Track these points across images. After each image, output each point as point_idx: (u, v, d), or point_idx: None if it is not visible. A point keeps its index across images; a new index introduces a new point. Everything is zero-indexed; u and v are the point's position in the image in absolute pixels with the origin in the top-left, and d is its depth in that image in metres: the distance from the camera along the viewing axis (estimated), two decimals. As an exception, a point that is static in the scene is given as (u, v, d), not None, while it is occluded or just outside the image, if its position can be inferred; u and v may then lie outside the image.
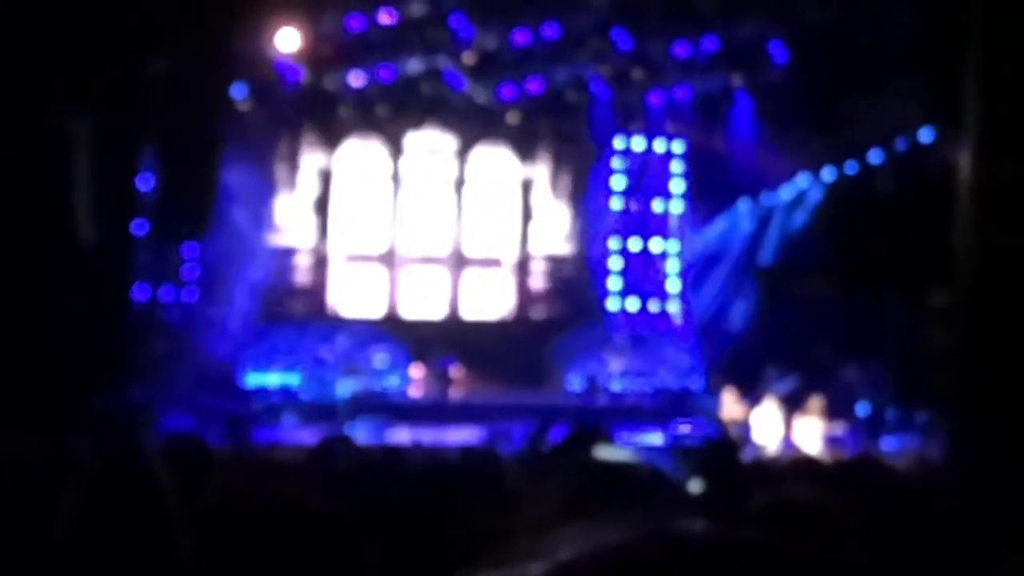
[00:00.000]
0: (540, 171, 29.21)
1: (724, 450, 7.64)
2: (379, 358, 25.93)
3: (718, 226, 28.69)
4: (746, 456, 12.11)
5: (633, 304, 29.72)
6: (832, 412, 21.17)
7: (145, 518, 3.16)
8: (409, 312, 28.54)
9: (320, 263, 28.07)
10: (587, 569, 1.00)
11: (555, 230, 29.29)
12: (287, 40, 22.30)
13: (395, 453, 10.22)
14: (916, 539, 5.47)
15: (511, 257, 29.18)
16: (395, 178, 28.49)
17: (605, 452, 3.25)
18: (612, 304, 29.63)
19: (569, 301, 29.07)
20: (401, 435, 19.45)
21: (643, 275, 29.76)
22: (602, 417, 22.50)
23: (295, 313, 27.42)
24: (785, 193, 26.83)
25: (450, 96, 26.51)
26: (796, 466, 8.66)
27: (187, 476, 3.41)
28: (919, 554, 5.44)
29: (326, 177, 28.02)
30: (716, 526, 1.05)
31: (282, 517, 2.63)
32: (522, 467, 8.06)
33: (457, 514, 3.53)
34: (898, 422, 22.17)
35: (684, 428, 22.93)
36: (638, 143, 29.48)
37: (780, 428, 20.36)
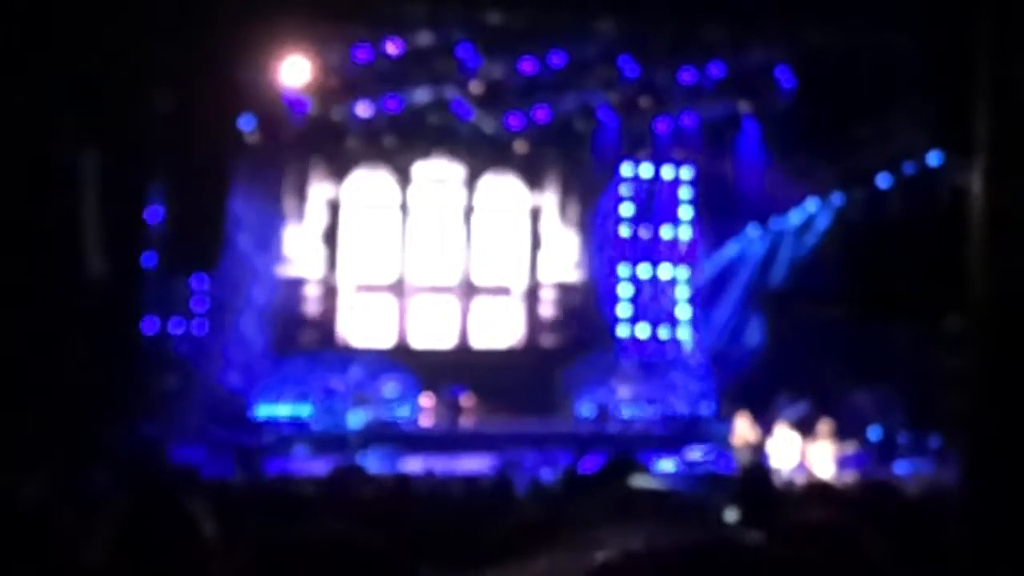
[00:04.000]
0: (548, 199, 29.21)
1: (758, 478, 7.62)
2: (389, 388, 25.88)
3: (727, 252, 28.67)
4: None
5: (643, 331, 29.69)
6: (845, 436, 21.11)
7: (179, 555, 3.15)
8: (419, 341, 28.51)
9: (329, 293, 28.05)
10: (650, 560, 1.01)
11: (564, 258, 29.29)
12: (295, 72, 22.34)
13: (407, 482, 10.21)
14: (932, 564, 5.46)
15: (520, 285, 29.16)
16: (403, 208, 28.51)
17: (641, 480, 3.25)
18: (622, 331, 29.59)
19: (579, 328, 29.03)
20: (412, 464, 19.42)
21: (653, 302, 29.73)
22: (613, 444, 22.48)
23: (305, 344, 27.37)
24: (794, 218, 26.81)
25: (458, 125, 26.54)
26: (813, 491, 8.63)
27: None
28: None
29: (334, 207, 28.03)
30: (775, 542, 1.06)
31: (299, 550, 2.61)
32: (539, 495, 8.05)
33: (477, 541, 3.52)
34: (911, 446, 22.13)
35: (696, 454, 22.91)
36: (646, 170, 29.51)
37: (796, 453, 20.30)
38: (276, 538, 2.55)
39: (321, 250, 28.00)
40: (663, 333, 29.82)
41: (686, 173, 29.76)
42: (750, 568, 1.01)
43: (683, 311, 29.93)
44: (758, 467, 9.03)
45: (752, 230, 27.95)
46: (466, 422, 25.77)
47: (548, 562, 1.05)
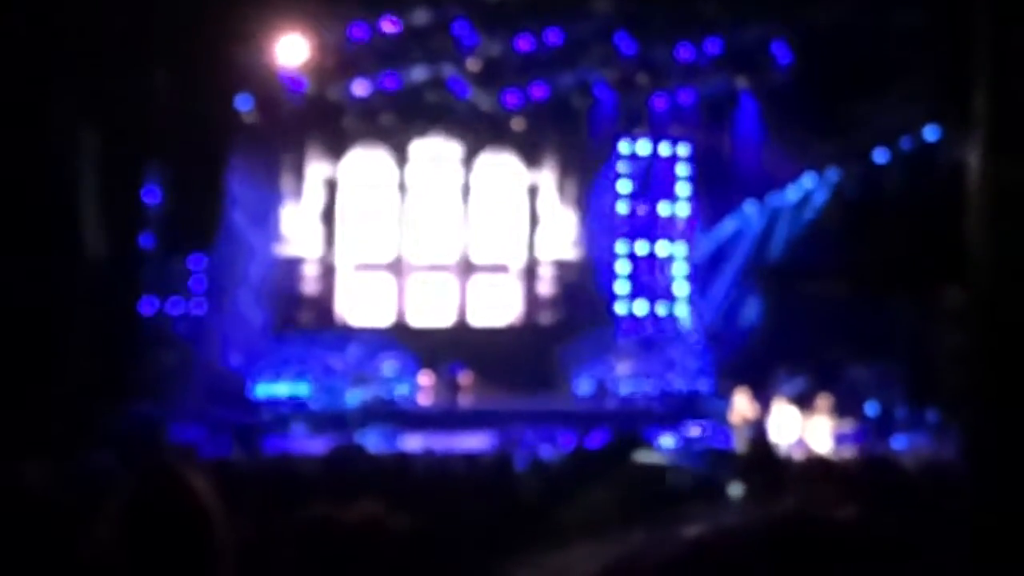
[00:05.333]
0: (546, 177, 29.18)
1: (762, 453, 7.65)
2: (388, 366, 25.87)
3: (725, 228, 28.66)
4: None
5: (641, 308, 29.68)
6: (843, 411, 21.15)
7: (184, 534, 3.16)
8: (417, 320, 28.52)
9: (328, 272, 28.05)
10: (742, 535, 1.02)
11: (562, 235, 29.27)
12: (291, 51, 22.30)
13: (407, 460, 10.23)
14: (930, 538, 5.47)
15: (518, 263, 29.16)
16: (401, 186, 28.47)
17: (646, 456, 3.26)
18: (620, 308, 29.59)
19: (577, 306, 29.01)
20: (412, 443, 19.44)
21: (650, 278, 29.72)
22: (611, 421, 22.50)
23: (304, 323, 27.40)
24: (791, 194, 26.80)
25: (455, 103, 26.52)
26: (812, 466, 8.66)
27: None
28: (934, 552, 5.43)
29: (332, 186, 28.01)
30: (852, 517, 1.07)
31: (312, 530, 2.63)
32: (538, 472, 8.05)
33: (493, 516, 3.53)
34: (909, 421, 22.17)
35: (695, 430, 22.94)
36: (643, 147, 29.45)
37: (796, 428, 20.34)
38: (310, 517, 2.56)
39: (319, 229, 27.99)
40: (661, 310, 29.82)
41: (683, 150, 29.70)
42: (843, 544, 1.01)
43: (681, 288, 29.93)
44: (762, 443, 9.04)
45: (750, 206, 27.93)
46: (465, 400, 25.80)
47: (639, 538, 1.05)
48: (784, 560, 0.99)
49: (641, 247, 29.72)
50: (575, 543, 1.08)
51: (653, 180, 29.56)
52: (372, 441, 19.70)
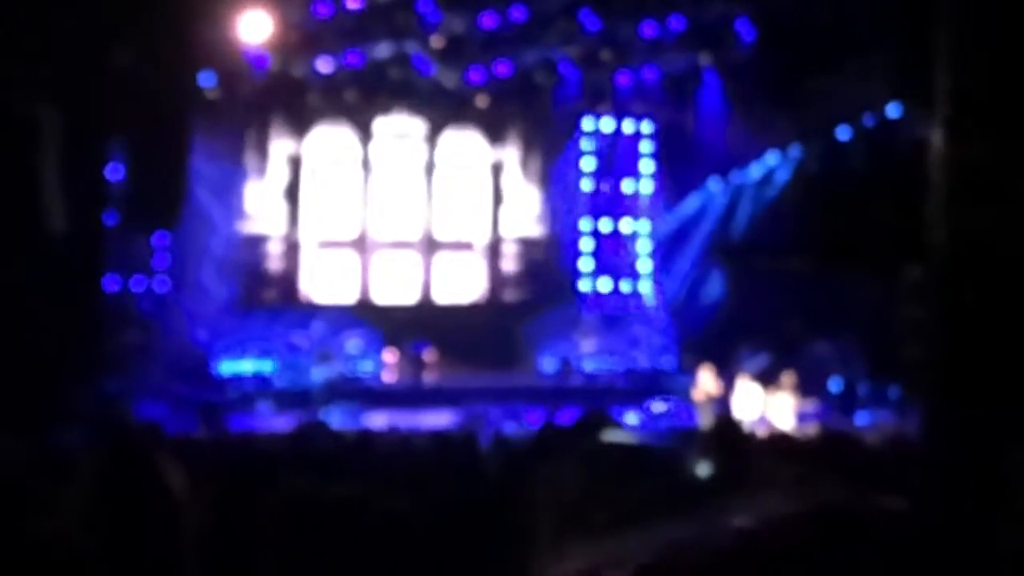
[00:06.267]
0: (510, 154, 29.17)
1: (728, 431, 7.68)
2: (352, 343, 25.88)
3: (688, 205, 28.71)
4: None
5: (605, 285, 29.74)
6: (806, 387, 21.26)
7: (157, 511, 3.18)
8: (381, 297, 28.49)
9: (292, 250, 27.97)
10: (789, 525, 1.03)
11: (526, 212, 29.28)
12: (255, 27, 22.21)
13: (371, 437, 10.24)
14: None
15: (482, 240, 29.15)
16: (365, 163, 28.41)
17: (613, 435, 3.28)
18: (584, 285, 29.64)
19: (541, 283, 29.06)
20: (376, 420, 19.45)
21: (614, 256, 29.78)
22: (576, 398, 22.57)
23: (268, 300, 27.34)
24: (755, 171, 26.85)
25: (419, 80, 26.43)
26: (775, 443, 8.72)
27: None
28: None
29: (296, 164, 27.92)
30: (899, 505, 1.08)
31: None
32: (503, 449, 8.08)
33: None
34: (871, 397, 22.30)
35: (659, 407, 23.03)
36: (607, 124, 29.45)
37: (759, 405, 20.44)
38: (300, 494, 2.58)
39: (283, 206, 27.91)
40: (625, 287, 29.88)
41: (647, 127, 29.72)
42: (891, 534, 1.02)
43: (644, 265, 29.99)
44: (726, 420, 9.08)
45: (713, 183, 27.99)
46: (429, 377, 25.83)
47: (687, 528, 1.07)
48: (833, 549, 1.00)
49: (605, 224, 29.77)
50: (624, 532, 1.09)
51: (617, 157, 29.59)
52: (336, 418, 19.70)
